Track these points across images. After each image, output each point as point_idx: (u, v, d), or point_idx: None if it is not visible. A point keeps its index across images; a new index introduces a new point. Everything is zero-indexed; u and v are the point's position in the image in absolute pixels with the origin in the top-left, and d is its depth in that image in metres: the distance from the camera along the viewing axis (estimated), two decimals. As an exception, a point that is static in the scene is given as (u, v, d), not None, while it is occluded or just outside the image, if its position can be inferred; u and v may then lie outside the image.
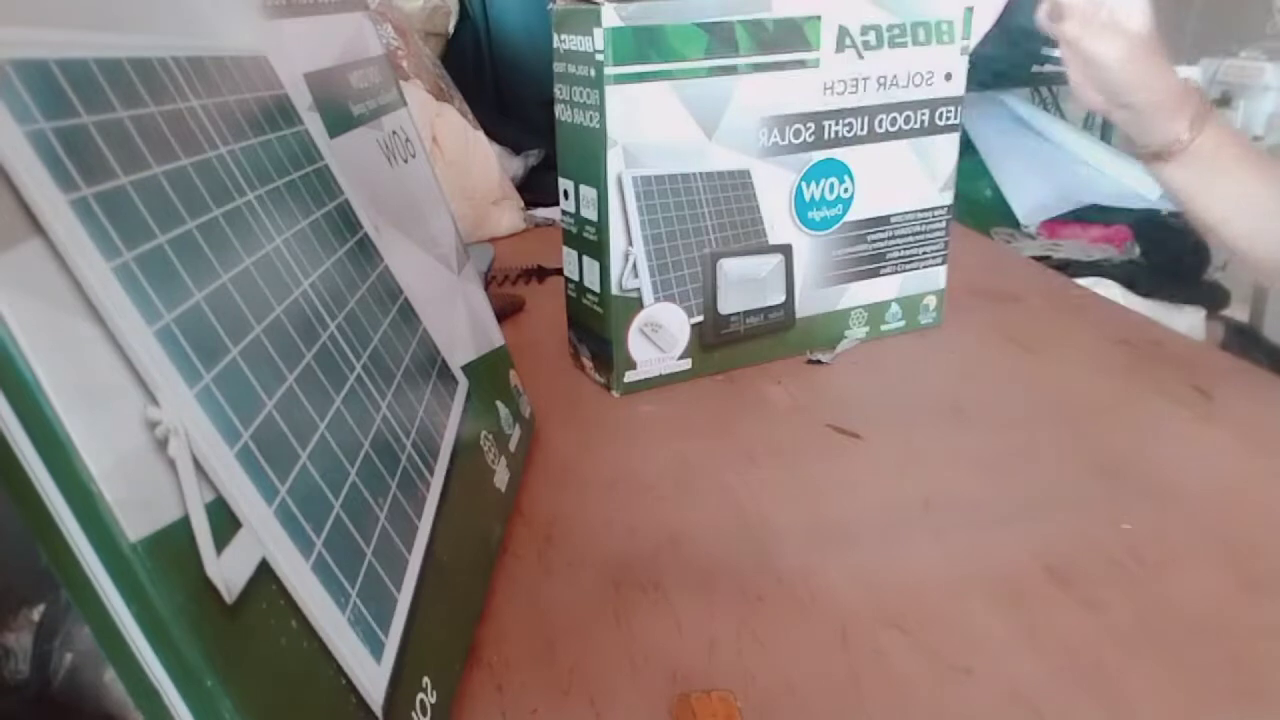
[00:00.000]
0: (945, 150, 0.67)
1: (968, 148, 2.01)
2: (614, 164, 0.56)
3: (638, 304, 0.59)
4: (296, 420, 0.28)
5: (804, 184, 0.62)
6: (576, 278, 0.62)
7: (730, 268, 0.61)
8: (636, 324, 0.59)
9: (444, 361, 0.43)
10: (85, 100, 0.23)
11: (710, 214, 0.59)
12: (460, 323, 0.48)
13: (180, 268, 0.24)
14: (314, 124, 0.37)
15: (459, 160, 0.97)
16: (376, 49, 0.49)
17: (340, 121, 0.40)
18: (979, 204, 1.98)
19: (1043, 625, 0.38)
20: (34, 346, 0.19)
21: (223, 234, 0.27)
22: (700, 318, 0.61)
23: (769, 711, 0.34)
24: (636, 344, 0.60)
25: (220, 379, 0.24)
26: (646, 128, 0.56)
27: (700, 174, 0.58)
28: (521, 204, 1.06)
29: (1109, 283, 1.61)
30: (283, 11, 0.38)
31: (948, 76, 0.65)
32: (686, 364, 0.62)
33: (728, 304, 0.62)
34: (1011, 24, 1.96)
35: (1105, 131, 2.48)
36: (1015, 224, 1.99)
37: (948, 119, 0.66)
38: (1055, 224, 1.97)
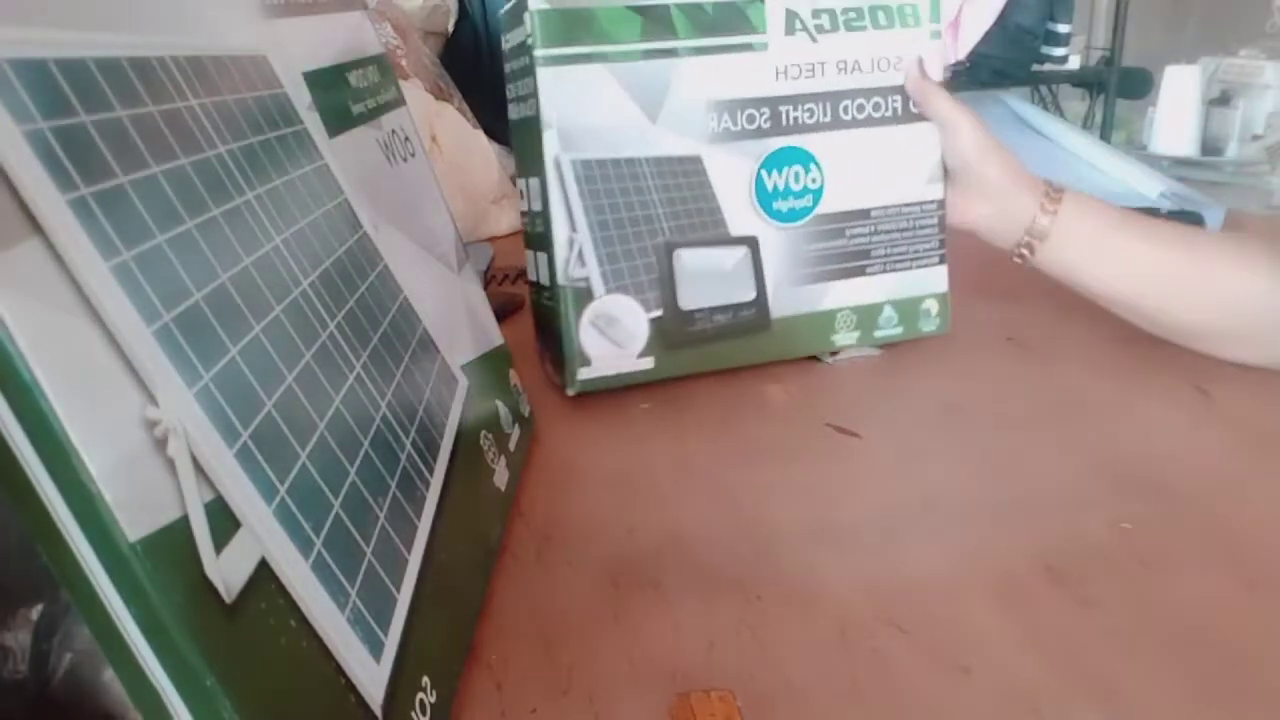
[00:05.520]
0: (927, 140, 0.63)
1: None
2: (550, 147, 0.55)
3: (587, 294, 0.57)
4: (296, 420, 0.28)
5: (764, 172, 0.59)
6: (534, 277, 0.61)
7: (688, 259, 0.58)
8: (587, 317, 0.57)
9: (443, 360, 0.43)
10: (84, 99, 0.23)
11: (661, 201, 0.57)
12: (460, 322, 0.48)
13: (179, 267, 0.24)
14: (313, 123, 0.37)
15: (458, 159, 0.97)
16: (375, 48, 0.49)
17: (339, 120, 0.40)
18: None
19: (1042, 625, 0.38)
20: (32, 346, 0.19)
21: (222, 233, 0.27)
22: (659, 312, 0.58)
23: (768, 710, 0.34)
24: (589, 338, 0.57)
25: (219, 378, 0.24)
26: (584, 111, 0.55)
27: (646, 159, 0.57)
28: (521, 203, 1.06)
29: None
30: (282, 10, 0.38)
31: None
32: (648, 363, 0.59)
33: (690, 299, 0.59)
34: (1011, 23, 1.97)
35: (1105, 131, 2.48)
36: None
37: None
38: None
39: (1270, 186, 2.11)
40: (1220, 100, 2.33)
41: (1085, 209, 0.59)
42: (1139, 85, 2.53)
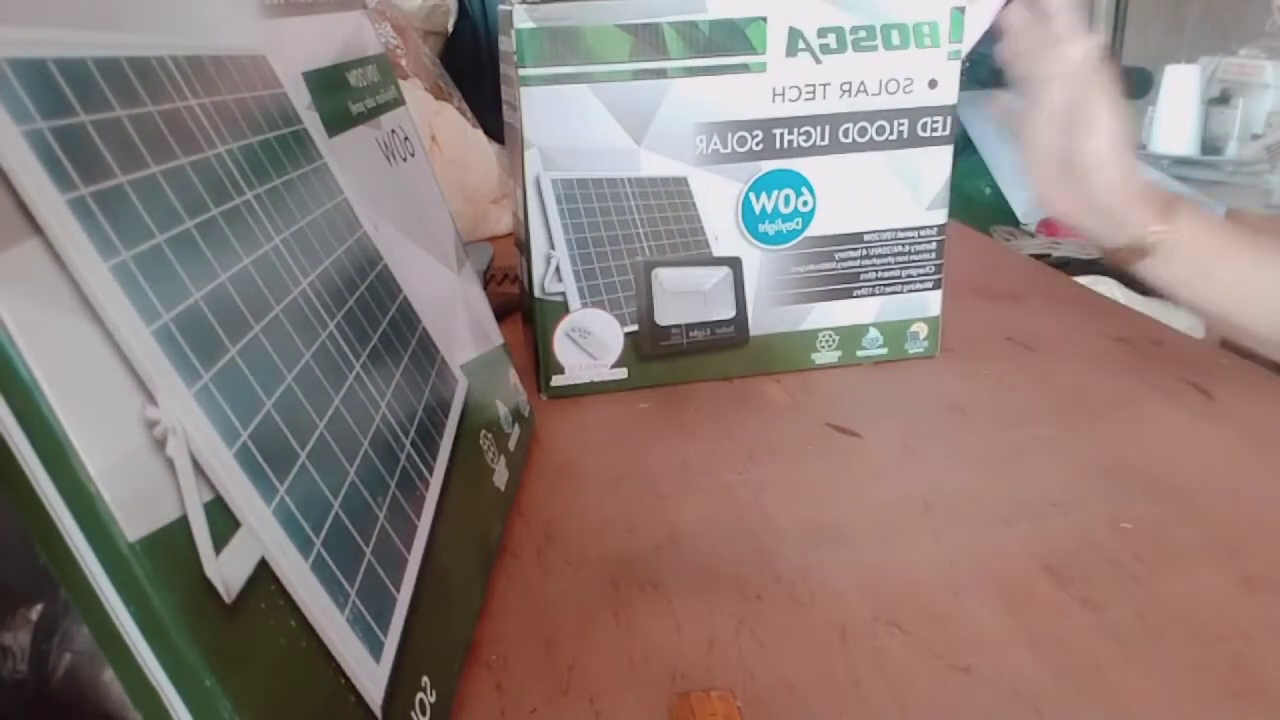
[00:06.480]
0: (932, 165, 0.60)
1: (967, 146, 2.01)
2: (532, 166, 0.55)
3: (563, 308, 0.58)
4: (295, 420, 0.28)
5: (752, 194, 0.59)
6: (522, 277, 0.62)
7: (667, 278, 0.59)
8: (563, 328, 0.59)
9: (443, 360, 0.43)
10: (83, 99, 0.23)
11: (642, 221, 0.58)
12: (459, 322, 0.48)
13: (178, 267, 0.24)
14: (313, 123, 0.37)
15: (458, 159, 0.97)
16: (375, 47, 0.49)
17: (339, 120, 0.40)
18: (978, 202, 1.98)
19: (1042, 624, 0.38)
20: (32, 346, 0.19)
21: (221, 233, 0.27)
22: (635, 327, 0.59)
23: (768, 710, 0.34)
24: (564, 348, 0.59)
25: (219, 378, 0.24)
26: (566, 132, 0.55)
27: (629, 180, 0.57)
28: (521, 203, 1.06)
29: (1108, 280, 1.60)
30: (281, 10, 0.38)
31: (932, 84, 0.59)
32: (621, 373, 0.60)
33: (666, 315, 0.60)
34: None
35: (1104, 130, 2.48)
36: (1015, 222, 1.99)
37: (934, 130, 0.60)
38: (1055, 222, 1.98)
39: (1270, 185, 2.11)
40: (1220, 99, 2.32)
41: (1196, 229, 0.56)
42: (1139, 84, 2.52)
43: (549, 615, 0.39)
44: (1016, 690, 0.34)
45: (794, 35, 0.57)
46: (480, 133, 1.03)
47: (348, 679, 0.26)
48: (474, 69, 1.19)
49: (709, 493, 0.49)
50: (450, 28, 1.20)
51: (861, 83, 0.58)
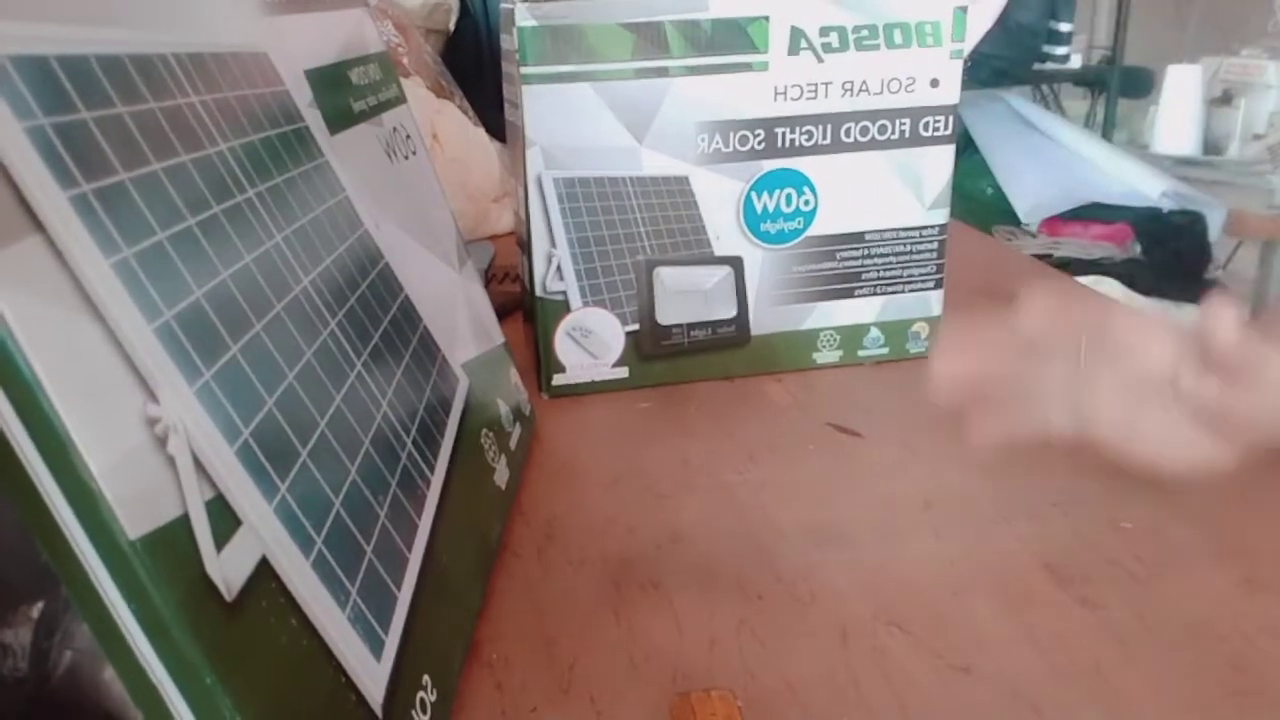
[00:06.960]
0: (933, 164, 0.61)
1: (969, 145, 2.01)
2: (533, 164, 0.55)
3: (564, 307, 0.58)
4: (297, 418, 0.28)
5: (754, 194, 0.59)
6: (523, 276, 0.62)
7: (669, 277, 0.59)
8: (564, 327, 0.59)
9: (444, 359, 0.43)
10: (85, 96, 0.23)
11: (644, 220, 0.58)
12: (461, 320, 0.48)
13: (180, 264, 0.24)
14: (314, 120, 0.37)
15: (460, 157, 0.97)
16: (377, 45, 0.49)
17: (341, 118, 0.40)
18: (980, 202, 1.99)
19: (1042, 624, 0.38)
20: (34, 343, 0.19)
21: (223, 231, 0.27)
22: (636, 326, 0.59)
23: (769, 710, 0.34)
24: (565, 347, 0.59)
25: (220, 376, 0.24)
26: (568, 130, 0.55)
27: (630, 179, 0.57)
28: (522, 201, 1.06)
29: (1110, 281, 1.61)
30: (283, 7, 0.38)
31: (934, 83, 0.59)
32: (622, 373, 0.60)
33: (667, 315, 0.60)
34: (1012, 21, 1.97)
35: (1106, 130, 2.48)
36: (1016, 222, 2.00)
37: (936, 130, 0.60)
38: (1056, 222, 1.98)
39: (1271, 186, 2.11)
40: (1222, 100, 2.33)
41: None
42: (1141, 84, 2.53)
43: (550, 614, 0.39)
44: (1017, 690, 0.34)
45: (796, 34, 0.57)
46: (482, 131, 1.03)
47: (348, 677, 0.26)
48: (475, 67, 1.19)
49: (710, 492, 0.49)
50: (452, 26, 1.20)
51: (863, 82, 0.58)
